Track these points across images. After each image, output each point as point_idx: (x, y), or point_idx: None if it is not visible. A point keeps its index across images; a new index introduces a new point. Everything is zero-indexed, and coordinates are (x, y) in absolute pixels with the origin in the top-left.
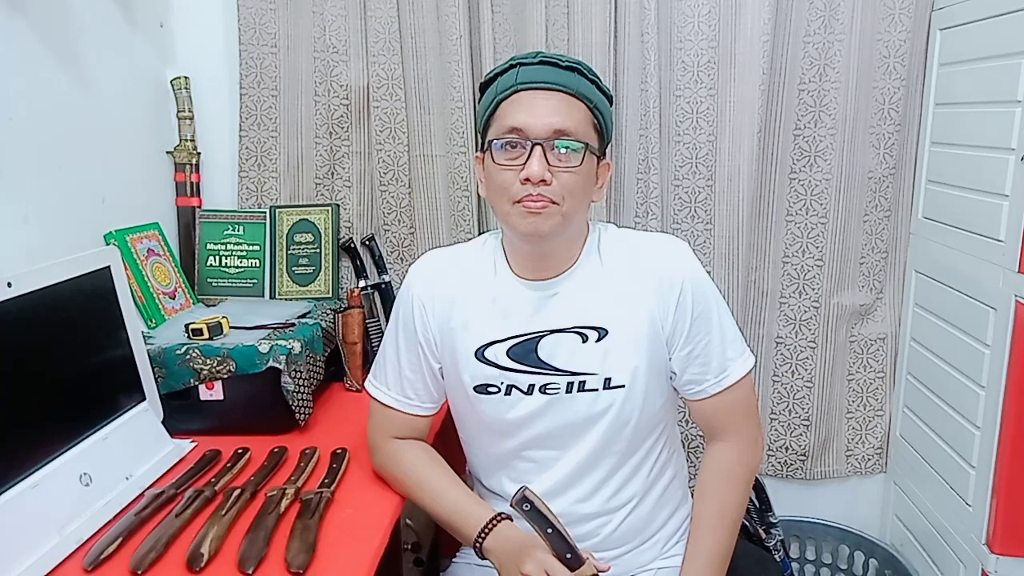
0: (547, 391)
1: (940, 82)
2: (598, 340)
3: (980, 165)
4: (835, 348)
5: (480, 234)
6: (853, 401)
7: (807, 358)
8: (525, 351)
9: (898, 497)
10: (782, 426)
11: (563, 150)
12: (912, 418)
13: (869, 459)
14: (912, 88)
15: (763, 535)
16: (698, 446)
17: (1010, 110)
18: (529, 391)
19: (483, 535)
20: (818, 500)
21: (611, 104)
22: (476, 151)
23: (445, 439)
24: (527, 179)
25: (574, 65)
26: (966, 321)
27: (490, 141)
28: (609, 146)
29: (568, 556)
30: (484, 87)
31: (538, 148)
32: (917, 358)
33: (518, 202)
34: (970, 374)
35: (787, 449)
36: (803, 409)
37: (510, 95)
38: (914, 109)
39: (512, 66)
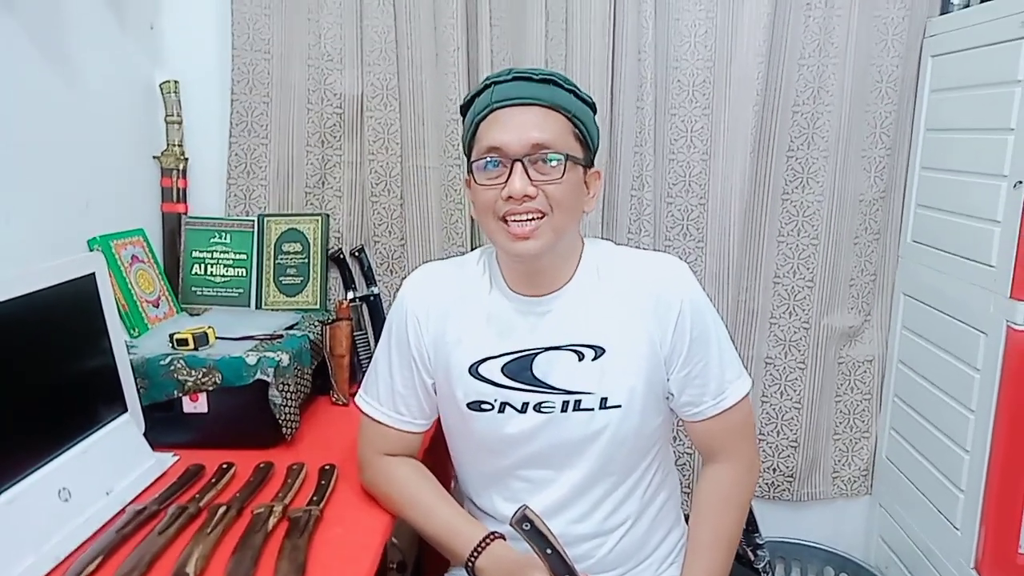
0: (542, 409)
1: (931, 108)
2: (595, 359)
3: (970, 191)
4: (824, 369)
5: (473, 247)
6: (840, 423)
7: (796, 379)
8: (520, 368)
9: (883, 519)
10: (770, 447)
11: (544, 163)
12: (899, 440)
13: (855, 481)
14: (903, 113)
15: (752, 557)
16: (684, 464)
17: (1003, 137)
18: (523, 409)
19: (476, 554)
20: (803, 522)
21: (594, 112)
22: (466, 172)
23: (428, 456)
24: (510, 196)
25: (548, 77)
26: (955, 345)
27: (472, 163)
28: (599, 153)
29: None
30: (464, 110)
31: (518, 165)
32: (904, 380)
33: (503, 219)
34: (959, 398)
35: (775, 470)
36: (791, 430)
37: (487, 115)
38: (905, 134)
39: (487, 86)
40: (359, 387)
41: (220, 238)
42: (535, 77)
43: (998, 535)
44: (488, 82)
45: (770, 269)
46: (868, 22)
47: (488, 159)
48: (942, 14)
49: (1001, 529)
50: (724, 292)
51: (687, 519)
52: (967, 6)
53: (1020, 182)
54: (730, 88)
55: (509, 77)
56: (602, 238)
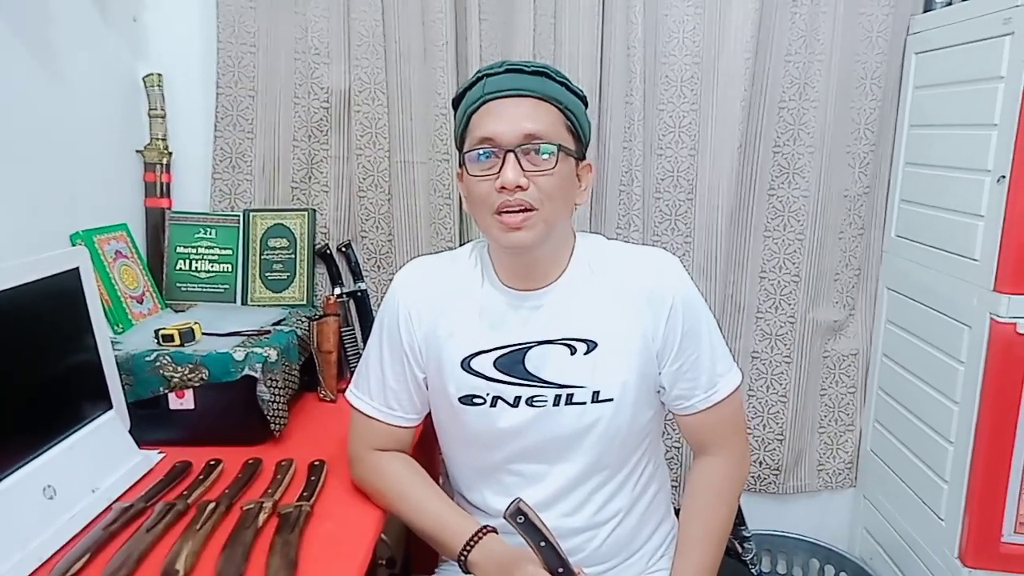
0: (534, 403)
1: (915, 104)
2: (587, 352)
3: (954, 185)
4: (809, 363)
5: (461, 243)
6: (825, 416)
7: (782, 373)
8: (512, 362)
9: (868, 511)
10: (756, 441)
11: (536, 154)
12: (883, 433)
13: (840, 473)
14: (887, 109)
15: (739, 549)
16: (672, 457)
17: (987, 133)
18: (515, 403)
19: (468, 548)
20: (789, 514)
21: (586, 105)
22: (458, 165)
23: (415, 452)
24: (503, 187)
25: (540, 69)
26: (939, 338)
27: (464, 154)
28: (589, 148)
29: (560, 571)
30: (456, 103)
31: (511, 155)
32: (888, 374)
33: (498, 213)
34: (943, 390)
35: (761, 463)
36: (777, 424)
37: (479, 106)
38: (889, 129)
39: (479, 78)
40: (347, 383)
41: (205, 233)
42: (527, 69)
43: (982, 525)
44: (480, 74)
45: (756, 264)
46: (853, 19)
47: (481, 150)
48: (925, 11)
49: (985, 519)
50: (711, 287)
51: (677, 512)
52: (950, 4)
53: (1003, 176)
54: (718, 84)
55: (501, 69)
56: (591, 232)
